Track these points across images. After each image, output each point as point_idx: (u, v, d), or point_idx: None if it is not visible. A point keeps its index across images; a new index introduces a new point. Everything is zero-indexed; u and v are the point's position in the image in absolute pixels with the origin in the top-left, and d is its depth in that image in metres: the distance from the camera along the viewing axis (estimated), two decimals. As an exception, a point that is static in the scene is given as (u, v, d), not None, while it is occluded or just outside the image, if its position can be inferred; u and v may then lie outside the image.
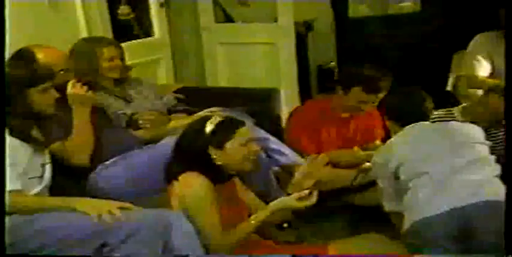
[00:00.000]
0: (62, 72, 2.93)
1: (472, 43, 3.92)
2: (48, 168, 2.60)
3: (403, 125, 2.72)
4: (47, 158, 2.62)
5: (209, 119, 2.51)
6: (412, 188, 2.48)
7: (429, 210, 2.35)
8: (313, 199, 2.48)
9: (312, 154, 3.26)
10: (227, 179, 2.54)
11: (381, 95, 3.22)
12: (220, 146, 2.44)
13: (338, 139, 3.43)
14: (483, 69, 3.82)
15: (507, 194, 1.96)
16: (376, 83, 3.20)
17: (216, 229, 2.38)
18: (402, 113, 2.78)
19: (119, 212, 2.26)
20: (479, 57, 3.81)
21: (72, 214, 2.28)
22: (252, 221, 2.43)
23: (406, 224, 2.42)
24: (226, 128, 2.47)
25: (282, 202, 2.50)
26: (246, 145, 2.48)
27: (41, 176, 2.55)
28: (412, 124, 2.70)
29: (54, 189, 2.64)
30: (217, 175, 2.45)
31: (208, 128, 2.45)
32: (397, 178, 2.57)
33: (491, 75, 3.80)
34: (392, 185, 2.62)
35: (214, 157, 2.44)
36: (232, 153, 2.45)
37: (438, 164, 2.48)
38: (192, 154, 2.47)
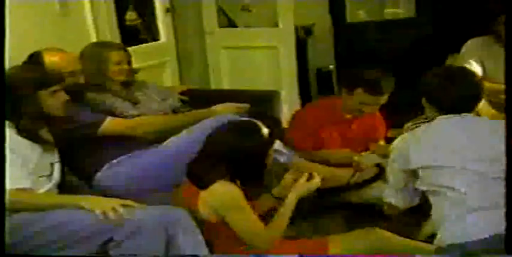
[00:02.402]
0: (66, 73, 2.92)
1: (464, 47, 3.89)
2: (57, 167, 2.60)
3: (444, 113, 2.38)
4: (56, 157, 2.62)
5: (254, 123, 2.49)
6: (438, 200, 2.25)
7: (466, 234, 2.11)
8: (317, 179, 2.53)
9: (307, 151, 3.26)
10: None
11: (384, 97, 3.20)
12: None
13: (340, 139, 3.41)
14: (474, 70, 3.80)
15: (507, 194, 1.86)
16: (378, 84, 3.16)
17: (261, 227, 2.38)
18: (446, 100, 2.38)
19: (124, 209, 2.25)
20: (471, 61, 3.79)
21: (78, 211, 2.26)
22: (287, 212, 2.45)
23: (437, 242, 2.23)
24: (276, 133, 2.53)
25: (301, 188, 2.51)
26: None
27: (50, 175, 2.55)
28: (444, 119, 2.36)
29: (64, 187, 2.64)
30: (256, 180, 2.47)
31: (265, 131, 2.44)
32: (415, 176, 2.36)
33: (482, 78, 3.78)
34: (406, 179, 2.42)
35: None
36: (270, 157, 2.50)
37: (466, 176, 2.20)
38: (244, 158, 2.39)
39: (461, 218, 2.15)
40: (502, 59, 3.58)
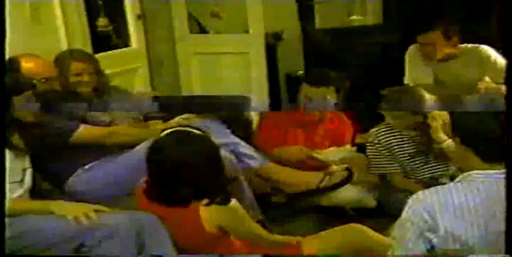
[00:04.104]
0: (43, 80, 2.91)
1: (407, 54, 3.86)
2: (28, 173, 2.58)
3: (485, 160, 1.83)
4: (27, 163, 2.60)
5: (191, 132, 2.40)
6: None
7: None
8: None
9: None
10: None
11: (328, 90, 3.26)
12: None
13: (305, 142, 3.44)
14: (426, 76, 3.74)
15: (507, 194, 1.68)
16: (315, 75, 3.31)
17: (261, 229, 2.43)
18: (485, 142, 1.83)
19: (95, 214, 2.25)
20: (417, 67, 3.79)
21: (49, 216, 2.26)
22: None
23: None
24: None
25: None
26: None
27: (22, 181, 2.53)
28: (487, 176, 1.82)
29: (35, 193, 2.62)
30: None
31: (199, 133, 2.39)
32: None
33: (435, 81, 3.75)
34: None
35: None
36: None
37: None
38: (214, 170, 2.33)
39: None
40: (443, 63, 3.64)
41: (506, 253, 1.70)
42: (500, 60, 3.55)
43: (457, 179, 1.90)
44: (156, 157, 2.32)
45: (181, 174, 2.25)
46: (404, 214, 1.89)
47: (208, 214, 2.28)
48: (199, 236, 2.31)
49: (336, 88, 3.27)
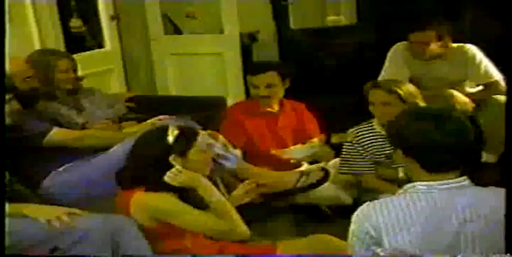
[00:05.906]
0: (28, 79, 2.92)
1: (390, 52, 3.88)
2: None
3: (429, 170, 1.82)
4: (1, 165, 2.57)
5: (166, 129, 2.46)
6: None
7: None
8: None
9: (239, 146, 3.26)
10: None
11: (264, 77, 3.31)
12: (183, 154, 2.41)
13: (269, 133, 3.45)
14: (402, 75, 3.68)
15: (507, 194, 1.64)
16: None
17: (210, 219, 2.34)
18: (428, 153, 1.81)
19: (68, 217, 2.23)
20: (396, 65, 3.80)
21: (22, 220, 2.24)
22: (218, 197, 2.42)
23: None
24: (189, 137, 2.45)
25: None
26: (206, 151, 2.50)
27: (-4, 183, 2.50)
28: (429, 187, 1.80)
29: (10, 196, 2.58)
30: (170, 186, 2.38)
31: (171, 137, 2.41)
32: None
33: (410, 81, 3.74)
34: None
35: (176, 165, 2.39)
36: (193, 160, 2.43)
37: None
38: (152, 162, 2.40)
39: None
40: (428, 62, 3.66)
41: (506, 252, 1.66)
42: (485, 61, 3.58)
43: (400, 191, 1.89)
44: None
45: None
46: (351, 228, 1.87)
47: (138, 205, 2.32)
48: None
49: (278, 73, 3.32)
